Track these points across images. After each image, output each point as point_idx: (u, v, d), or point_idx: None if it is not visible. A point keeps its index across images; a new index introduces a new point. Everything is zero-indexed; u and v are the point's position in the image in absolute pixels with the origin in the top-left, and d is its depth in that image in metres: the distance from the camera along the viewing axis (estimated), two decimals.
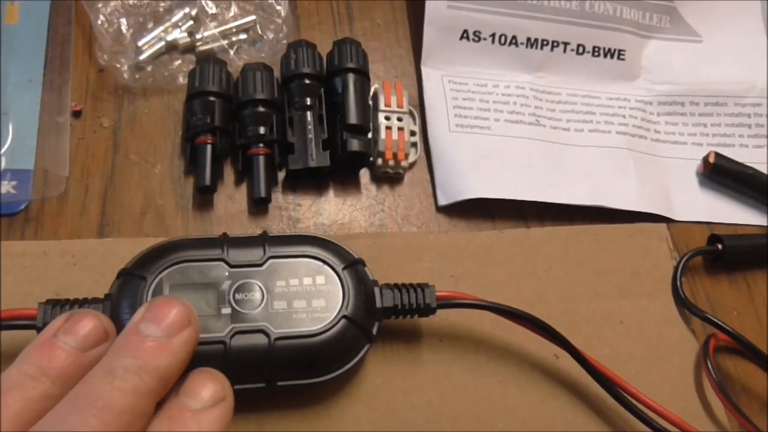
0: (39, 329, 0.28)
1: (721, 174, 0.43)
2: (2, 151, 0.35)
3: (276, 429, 0.31)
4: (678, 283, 0.39)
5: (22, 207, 0.34)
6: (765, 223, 0.43)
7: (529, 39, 0.44)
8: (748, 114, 0.45)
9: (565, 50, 0.44)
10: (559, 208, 0.40)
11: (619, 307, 0.38)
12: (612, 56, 0.45)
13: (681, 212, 0.42)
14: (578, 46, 0.44)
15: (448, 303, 0.33)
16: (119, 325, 0.28)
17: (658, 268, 0.40)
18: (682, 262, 0.40)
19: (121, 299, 0.29)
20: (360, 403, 0.33)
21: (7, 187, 0.34)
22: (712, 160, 0.43)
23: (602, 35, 0.45)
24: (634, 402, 0.34)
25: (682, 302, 0.39)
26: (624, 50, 0.45)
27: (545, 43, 0.44)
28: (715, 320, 0.38)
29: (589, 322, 0.37)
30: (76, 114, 0.37)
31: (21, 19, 0.39)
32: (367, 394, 0.33)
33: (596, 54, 0.45)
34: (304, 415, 0.32)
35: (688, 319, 0.39)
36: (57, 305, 0.29)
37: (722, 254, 0.40)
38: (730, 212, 0.43)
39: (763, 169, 0.44)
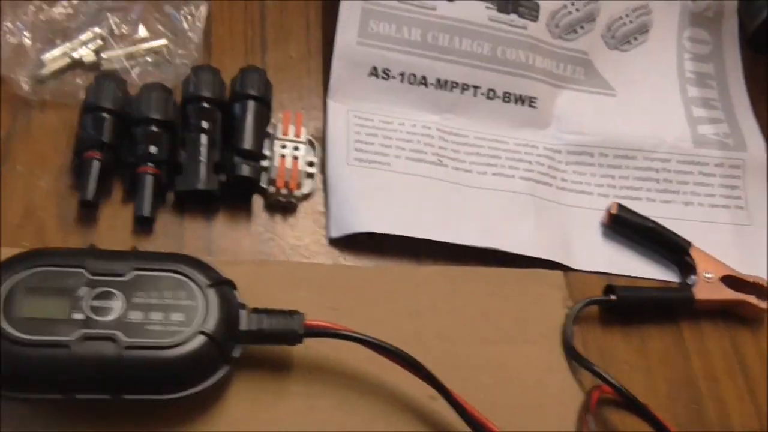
0: None
1: (622, 225, 0.46)
2: None
3: None
4: (568, 331, 0.41)
5: None
6: (663, 277, 0.45)
7: (439, 80, 0.46)
8: (656, 169, 0.48)
9: (475, 94, 0.47)
10: (454, 250, 0.42)
11: (502, 352, 0.40)
12: (523, 103, 0.48)
13: (581, 261, 0.44)
14: (489, 90, 0.47)
15: (316, 332, 0.35)
16: None
17: (549, 316, 0.42)
18: (575, 311, 0.41)
19: None
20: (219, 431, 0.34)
21: None
22: (614, 211, 0.45)
23: (514, 82, 0.47)
24: None
25: (570, 352, 0.40)
26: (535, 98, 0.48)
27: (455, 85, 0.47)
28: (601, 373, 0.39)
29: (469, 366, 0.39)
30: None
31: None
32: (229, 423, 0.34)
33: (507, 100, 0.47)
34: None
35: (576, 369, 0.40)
36: None
37: (616, 305, 0.42)
38: (630, 264, 0.45)
39: (668, 224, 0.46)
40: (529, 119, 0.48)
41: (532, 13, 0.48)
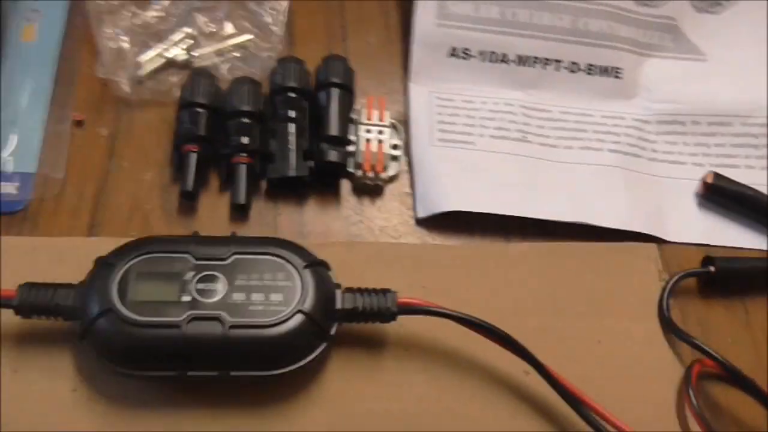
0: (16, 308, 0.33)
1: (719, 195, 0.45)
2: (7, 154, 0.40)
3: (231, 425, 0.34)
4: (664, 304, 0.40)
5: (22, 206, 0.40)
6: (765, 247, 0.44)
7: (519, 57, 0.47)
8: (754, 134, 0.47)
9: (557, 68, 0.47)
10: (543, 226, 0.42)
11: (598, 327, 0.40)
12: (608, 74, 0.47)
13: (675, 233, 0.44)
14: (572, 64, 0.47)
15: (409, 309, 0.36)
16: (86, 308, 0.33)
17: (644, 289, 0.41)
18: (671, 283, 0.41)
19: (92, 284, 0.34)
20: (317, 405, 0.36)
21: (10, 187, 0.40)
22: (710, 180, 0.44)
23: (597, 53, 0.47)
24: (605, 425, 0.35)
25: (667, 325, 0.40)
26: (621, 68, 0.47)
27: (536, 60, 0.47)
28: (702, 345, 0.38)
29: (564, 341, 0.39)
30: (79, 123, 0.43)
31: (38, 37, 0.45)
32: (325, 398, 0.36)
33: (591, 72, 0.47)
34: (262, 413, 0.35)
35: (674, 343, 0.40)
36: (34, 288, 0.33)
37: (715, 277, 0.41)
38: (728, 234, 0.44)
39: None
40: (614, 90, 0.48)
41: None
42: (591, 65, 0.47)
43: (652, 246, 0.43)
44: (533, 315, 0.40)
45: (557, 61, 0.47)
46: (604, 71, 0.47)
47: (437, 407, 0.36)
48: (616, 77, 0.48)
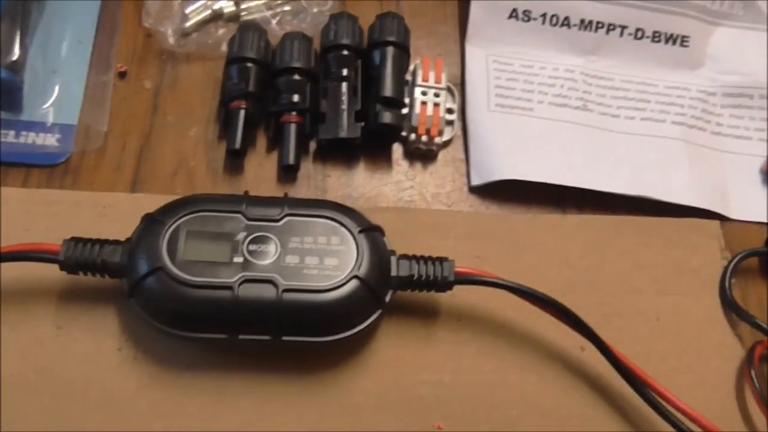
0: (61, 263, 0.32)
1: None
2: (48, 105, 0.39)
3: (279, 391, 0.34)
4: (726, 283, 0.39)
5: (63, 159, 0.38)
6: None
7: (582, 21, 0.45)
8: None
9: (621, 34, 0.45)
10: (601, 198, 0.41)
11: (656, 304, 0.39)
12: (674, 42, 0.46)
13: (739, 211, 0.42)
14: (637, 30, 0.45)
15: (466, 279, 0.35)
16: (134, 265, 0.32)
17: (706, 267, 0.40)
18: (734, 262, 0.40)
19: (140, 241, 0.33)
20: (369, 374, 0.35)
21: (51, 139, 0.39)
22: None
23: (664, 20, 0.45)
24: (664, 403, 0.34)
25: (729, 304, 0.39)
26: (688, 36, 0.46)
27: (600, 25, 0.45)
28: (764, 326, 0.37)
29: (622, 317, 0.38)
30: (122, 75, 0.42)
31: None
32: (377, 366, 0.35)
33: (656, 39, 0.45)
34: (311, 380, 0.34)
35: (735, 323, 0.39)
36: (80, 243, 0.32)
37: None
38: None
39: None
40: (680, 60, 0.46)
41: None
42: (657, 32, 0.45)
43: (715, 223, 0.41)
44: (589, 290, 0.39)
45: (622, 26, 0.45)
46: (670, 39, 0.46)
47: (489, 379, 0.35)
48: (683, 46, 0.46)
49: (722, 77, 0.46)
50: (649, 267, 0.40)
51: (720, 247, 0.41)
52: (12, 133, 0.38)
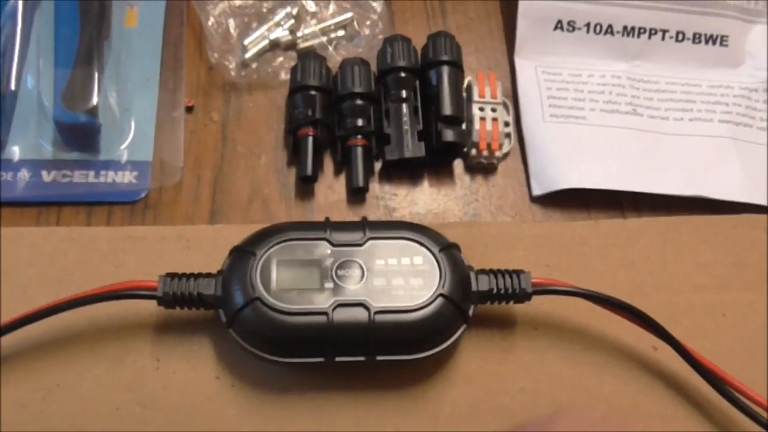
0: (159, 299, 0.33)
1: None
2: (125, 145, 0.40)
3: (374, 408, 0.34)
4: None
5: (142, 195, 0.39)
6: None
7: (625, 27, 0.45)
8: None
9: (663, 38, 0.46)
10: (657, 199, 0.42)
11: (721, 300, 0.39)
12: (714, 43, 0.46)
13: None
14: (677, 33, 0.46)
15: (543, 290, 0.35)
16: (230, 297, 0.32)
17: (764, 261, 0.41)
18: None
19: (233, 273, 0.33)
20: (456, 386, 0.36)
21: (129, 177, 0.39)
22: None
23: (703, 21, 0.46)
24: (741, 398, 0.35)
25: None
26: (727, 36, 0.46)
27: (642, 31, 0.46)
28: None
29: (689, 315, 0.39)
30: (189, 109, 0.42)
31: (140, 23, 0.44)
32: (463, 378, 0.36)
33: (697, 41, 0.46)
34: (403, 395, 0.35)
35: None
36: (175, 278, 0.33)
37: None
38: None
39: None
40: (721, 59, 0.46)
41: None
42: (697, 33, 0.46)
43: None
44: (655, 290, 0.39)
45: (663, 30, 0.46)
46: (711, 39, 0.46)
47: (570, 384, 0.36)
48: (722, 45, 0.46)
49: (761, 73, 0.46)
50: (710, 264, 0.40)
51: None
52: (92, 173, 0.39)
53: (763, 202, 0.42)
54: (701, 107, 0.45)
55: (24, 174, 0.38)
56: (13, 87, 0.39)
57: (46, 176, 0.38)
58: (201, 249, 0.37)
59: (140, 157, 0.40)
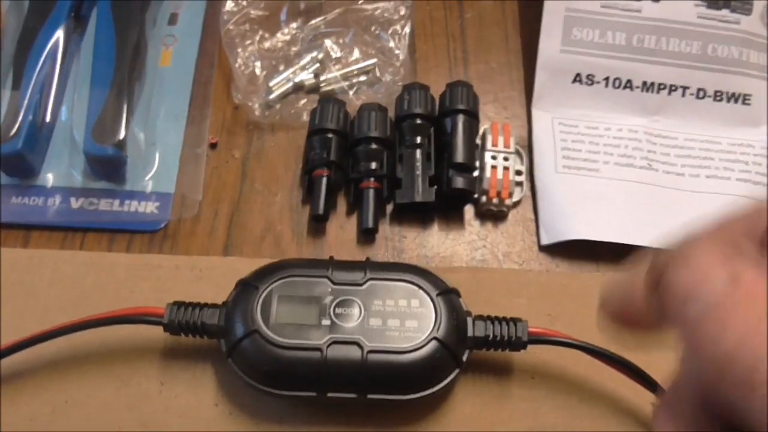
0: (165, 326, 0.34)
1: None
2: (149, 176, 0.42)
3: None
4: None
5: (162, 225, 0.41)
6: None
7: (645, 83, 0.46)
8: None
9: (683, 94, 0.46)
10: None
11: None
12: (736, 101, 0.46)
13: None
14: (698, 90, 0.46)
15: (539, 339, 0.36)
16: (231, 328, 0.34)
17: None
18: None
19: (236, 305, 0.35)
20: (448, 430, 0.36)
21: (151, 207, 0.41)
22: None
23: (726, 79, 0.46)
24: None
25: None
26: (750, 95, 0.46)
27: (662, 87, 0.46)
28: None
29: None
30: (213, 146, 0.44)
31: (173, 63, 0.46)
32: (456, 422, 0.36)
33: (718, 98, 0.46)
34: None
35: None
36: (182, 307, 0.35)
37: None
38: None
39: None
40: (742, 117, 0.46)
41: (746, 7, 0.46)
42: (719, 91, 0.46)
43: None
44: (658, 347, 0.39)
45: (684, 87, 0.46)
46: (733, 97, 0.46)
47: None
48: (745, 104, 0.46)
49: None
50: None
51: None
52: (117, 202, 0.41)
53: None
54: (719, 165, 0.45)
55: (54, 200, 0.41)
56: (48, 119, 0.42)
57: (74, 203, 0.41)
58: (212, 279, 0.39)
59: (163, 188, 0.42)
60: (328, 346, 0.34)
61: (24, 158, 0.40)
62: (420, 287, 0.36)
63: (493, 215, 0.43)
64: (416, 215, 0.43)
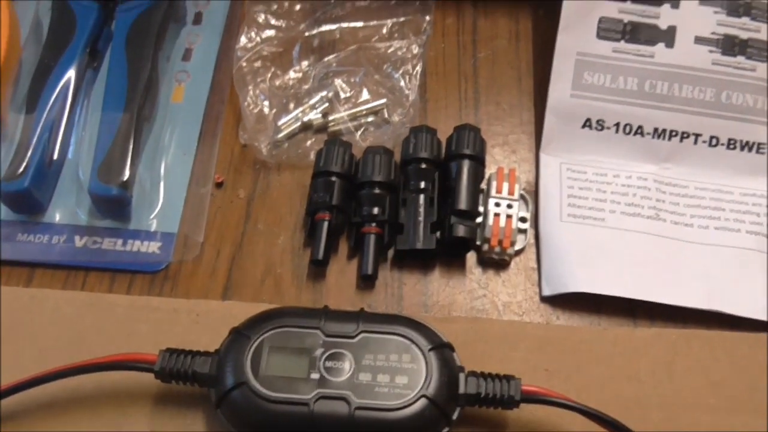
0: (156, 373, 0.34)
1: None
2: (154, 214, 0.42)
3: None
4: None
5: (163, 266, 0.41)
6: None
7: (656, 129, 0.44)
8: None
9: (696, 142, 0.44)
10: (673, 309, 0.40)
11: (729, 424, 0.37)
12: (750, 149, 0.44)
13: None
14: (711, 138, 0.44)
15: (532, 398, 0.35)
16: (221, 378, 0.33)
17: None
18: None
19: (227, 354, 0.34)
20: None
21: (153, 247, 0.41)
22: None
23: (739, 127, 0.44)
24: None
25: None
26: (764, 144, 0.44)
27: (674, 134, 0.44)
28: None
29: None
30: (219, 185, 0.44)
31: (185, 99, 0.46)
32: None
33: (731, 147, 0.44)
34: None
35: None
36: (174, 354, 0.34)
37: None
38: None
39: None
40: (756, 167, 0.44)
41: (762, 54, 0.44)
42: (732, 139, 0.44)
43: None
44: (659, 406, 0.37)
45: (696, 134, 0.44)
46: (746, 146, 0.44)
47: None
48: (759, 152, 0.44)
49: None
50: (722, 384, 0.38)
51: None
52: (120, 241, 0.41)
53: None
54: (729, 216, 0.43)
55: (60, 238, 0.41)
56: (56, 156, 0.42)
57: (78, 241, 0.41)
58: (209, 324, 0.38)
59: (167, 228, 0.42)
60: (315, 401, 0.33)
61: (31, 195, 0.40)
62: (413, 341, 0.35)
63: (495, 263, 0.42)
64: (417, 261, 0.42)
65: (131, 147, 0.40)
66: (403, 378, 0.34)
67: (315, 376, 0.33)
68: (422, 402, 0.33)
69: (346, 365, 0.34)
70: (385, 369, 0.34)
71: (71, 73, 0.43)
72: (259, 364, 0.34)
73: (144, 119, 0.42)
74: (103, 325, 0.38)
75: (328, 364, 0.34)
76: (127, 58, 0.43)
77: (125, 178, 0.40)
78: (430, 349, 0.34)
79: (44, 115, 0.41)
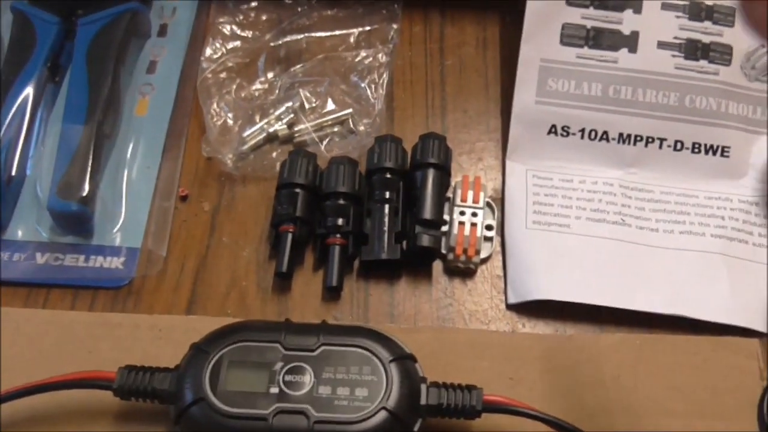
0: (115, 390, 0.34)
1: None
2: (116, 229, 0.41)
3: None
4: (765, 407, 0.37)
5: (126, 282, 0.40)
6: None
7: (621, 134, 0.44)
8: None
9: (661, 146, 0.44)
10: (639, 316, 0.40)
11: (693, 427, 0.37)
12: (714, 153, 0.44)
13: None
14: (676, 142, 0.44)
15: (495, 408, 0.34)
16: (181, 394, 0.33)
17: (743, 389, 0.38)
18: None
19: (187, 370, 0.34)
20: None
21: (116, 263, 0.41)
22: None
23: (704, 131, 0.44)
24: None
25: (766, 429, 0.37)
26: (729, 147, 0.44)
27: (639, 138, 0.44)
28: None
29: None
30: (183, 198, 0.43)
31: (149, 112, 0.46)
32: None
33: (696, 150, 0.44)
34: None
35: None
36: (132, 371, 0.34)
37: None
38: None
39: None
40: (721, 170, 0.44)
41: (725, 57, 0.44)
42: (697, 143, 0.44)
43: (754, 342, 0.39)
44: (623, 412, 0.37)
45: (661, 139, 0.44)
46: (711, 149, 0.44)
47: None
48: (723, 156, 0.44)
49: (765, 186, 0.44)
50: (684, 388, 0.38)
51: (759, 368, 0.38)
52: (82, 257, 0.41)
53: (750, 326, 0.39)
54: (694, 220, 0.43)
55: (21, 256, 0.40)
56: (14, 173, 0.41)
57: (40, 258, 0.40)
58: (171, 339, 0.38)
59: (130, 243, 0.41)
60: (274, 415, 0.32)
61: None
62: (373, 353, 0.34)
63: (461, 272, 0.42)
64: (383, 271, 0.42)
65: (91, 162, 0.40)
66: (363, 390, 0.33)
67: (274, 390, 0.33)
68: (382, 414, 0.33)
69: (306, 379, 0.34)
70: (345, 382, 0.33)
71: (30, 89, 0.42)
72: (218, 380, 0.33)
73: (105, 134, 0.42)
74: (64, 343, 0.38)
75: (288, 378, 0.33)
76: (88, 72, 0.43)
77: (85, 194, 0.39)
78: (390, 361, 0.34)
79: (1, 132, 0.41)
